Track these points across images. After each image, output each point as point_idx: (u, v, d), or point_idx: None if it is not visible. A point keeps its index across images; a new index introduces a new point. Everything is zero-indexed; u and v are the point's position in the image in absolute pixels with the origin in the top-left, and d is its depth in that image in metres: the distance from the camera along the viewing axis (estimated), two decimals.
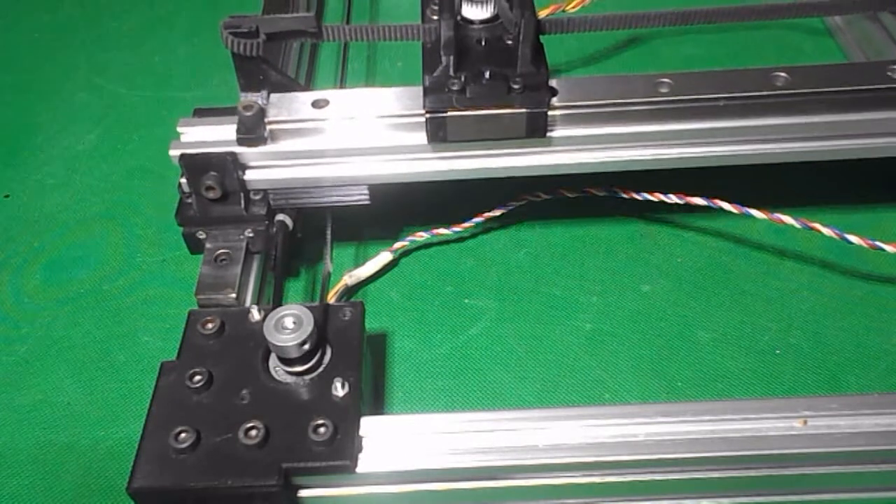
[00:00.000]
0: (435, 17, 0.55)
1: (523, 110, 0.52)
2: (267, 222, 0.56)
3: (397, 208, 0.62)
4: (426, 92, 0.52)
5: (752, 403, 0.46)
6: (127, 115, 0.80)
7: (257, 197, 0.56)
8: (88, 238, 0.68)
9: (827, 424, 0.44)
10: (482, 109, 0.52)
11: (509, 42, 0.54)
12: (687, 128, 0.55)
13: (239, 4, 0.92)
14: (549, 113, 0.53)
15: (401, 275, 0.64)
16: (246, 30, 0.52)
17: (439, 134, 0.53)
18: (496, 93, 0.52)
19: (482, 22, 0.56)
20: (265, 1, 0.72)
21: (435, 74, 0.52)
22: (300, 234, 0.60)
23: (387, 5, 0.92)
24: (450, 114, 0.52)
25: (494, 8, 0.55)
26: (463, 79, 0.52)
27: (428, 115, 0.52)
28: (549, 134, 0.54)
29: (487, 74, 0.52)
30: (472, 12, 0.55)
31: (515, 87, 0.52)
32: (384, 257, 0.63)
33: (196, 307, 0.52)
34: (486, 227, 0.66)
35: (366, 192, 0.57)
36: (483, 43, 0.54)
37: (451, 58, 0.52)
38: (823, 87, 0.54)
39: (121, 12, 0.93)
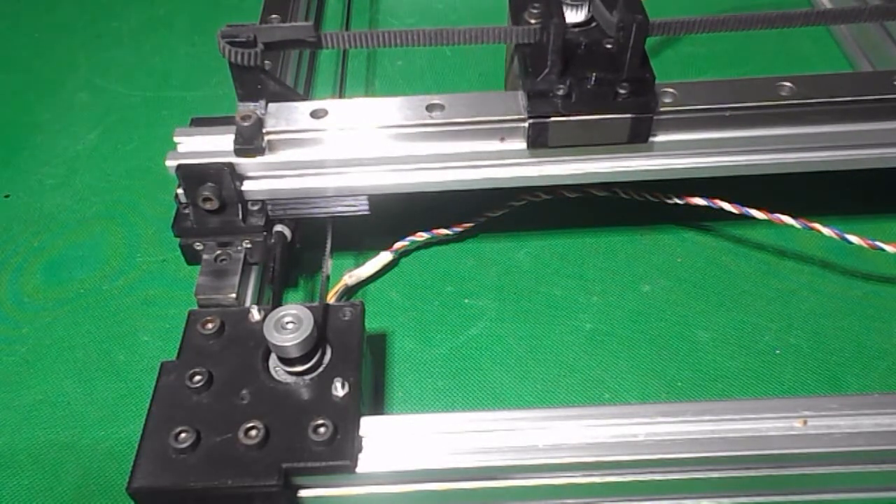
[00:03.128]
0: (533, 21, 0.54)
1: (629, 116, 0.51)
2: (265, 233, 0.55)
3: (398, 210, 0.62)
4: (530, 97, 0.52)
5: (752, 403, 0.46)
6: (127, 115, 0.80)
7: (255, 208, 0.55)
8: (88, 238, 0.68)
9: (827, 424, 0.44)
10: (587, 115, 0.51)
11: (608, 46, 0.53)
12: (693, 138, 0.54)
13: (239, 4, 0.93)
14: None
15: (401, 275, 0.64)
16: (243, 39, 0.52)
17: (539, 139, 0.53)
18: (603, 98, 0.51)
19: (575, 26, 0.55)
20: (264, 5, 0.72)
21: (539, 79, 0.51)
22: (299, 245, 0.59)
23: (387, 6, 0.92)
24: (553, 119, 0.51)
25: (589, 11, 0.55)
26: (568, 84, 0.51)
27: (531, 121, 0.52)
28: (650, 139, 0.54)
29: (593, 79, 0.51)
30: (567, 16, 0.55)
31: (622, 91, 0.51)
32: (384, 257, 0.63)
33: (196, 307, 0.52)
34: (486, 227, 0.66)
35: (365, 202, 0.56)
36: (582, 47, 0.54)
37: (559, 62, 0.51)
38: (829, 97, 0.54)
39: (121, 12, 0.93)
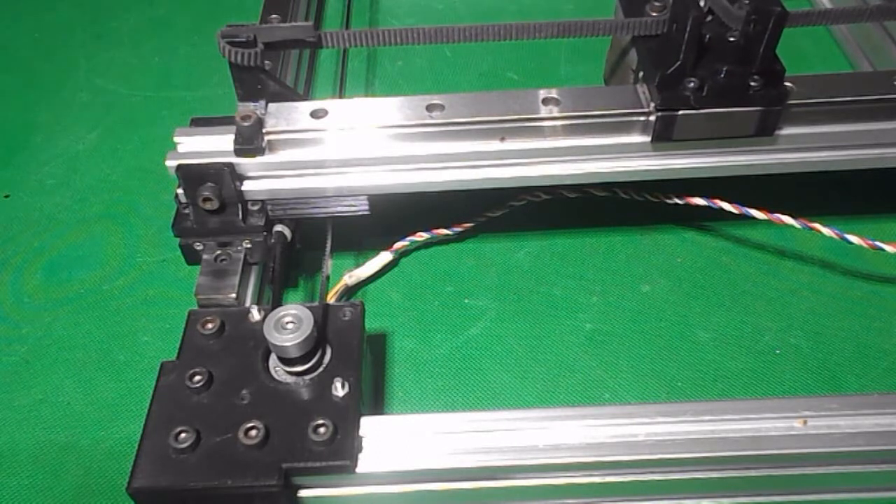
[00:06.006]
0: (655, 13, 0.54)
1: (758, 109, 0.51)
2: (265, 233, 0.55)
3: (398, 210, 0.62)
4: (659, 89, 0.51)
5: (752, 403, 0.46)
6: (127, 115, 0.80)
7: (255, 208, 0.55)
8: (88, 238, 0.68)
9: (827, 424, 0.44)
10: (719, 108, 0.51)
11: (731, 39, 0.53)
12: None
13: (239, 4, 0.93)
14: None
15: (401, 275, 0.64)
16: (243, 39, 0.52)
17: (666, 133, 0.53)
18: (736, 91, 0.51)
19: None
20: (264, 5, 0.72)
21: (670, 72, 0.51)
22: (299, 245, 0.59)
23: (387, 6, 0.92)
24: (682, 112, 0.51)
25: (706, 5, 0.54)
26: (700, 77, 0.51)
27: (659, 114, 0.52)
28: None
29: (724, 72, 0.51)
30: None
31: (754, 84, 0.51)
32: (384, 257, 0.63)
33: (196, 307, 0.52)
34: (486, 227, 0.66)
35: (365, 202, 0.56)
36: (706, 40, 0.53)
37: (692, 55, 0.51)
38: (829, 98, 0.54)
39: (121, 12, 0.94)
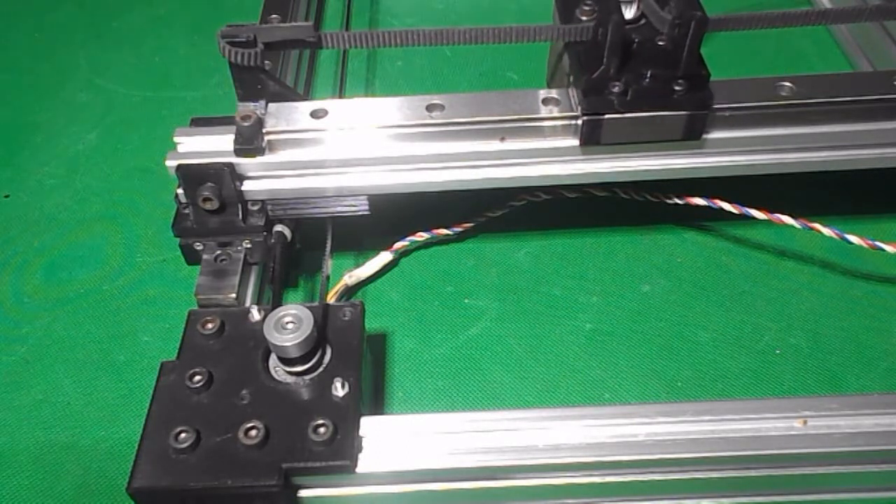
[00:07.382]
0: (585, 18, 0.54)
1: (685, 112, 0.52)
2: (265, 233, 0.55)
3: (398, 210, 0.62)
4: (585, 93, 0.52)
5: (752, 403, 0.46)
6: (127, 115, 0.80)
7: (255, 208, 0.55)
8: (88, 238, 0.68)
9: (827, 424, 0.44)
10: (643, 112, 0.51)
11: (661, 43, 0.53)
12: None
13: (239, 4, 0.93)
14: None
15: (401, 275, 0.64)
16: (243, 39, 0.52)
17: (593, 137, 0.53)
18: (660, 95, 0.51)
19: (627, 23, 0.54)
20: (264, 5, 0.72)
21: (595, 76, 0.51)
22: (299, 245, 0.59)
23: (387, 6, 0.92)
24: (607, 116, 0.52)
25: (639, 9, 0.54)
26: (624, 81, 0.51)
27: (585, 118, 0.52)
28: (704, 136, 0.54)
29: (648, 76, 0.51)
30: None
31: (678, 88, 0.51)
32: (384, 257, 0.63)
33: (196, 307, 0.52)
34: (486, 227, 0.66)
35: (365, 202, 0.56)
36: (635, 44, 0.53)
37: (616, 60, 0.51)
38: (829, 97, 0.54)
39: (121, 12, 0.93)
